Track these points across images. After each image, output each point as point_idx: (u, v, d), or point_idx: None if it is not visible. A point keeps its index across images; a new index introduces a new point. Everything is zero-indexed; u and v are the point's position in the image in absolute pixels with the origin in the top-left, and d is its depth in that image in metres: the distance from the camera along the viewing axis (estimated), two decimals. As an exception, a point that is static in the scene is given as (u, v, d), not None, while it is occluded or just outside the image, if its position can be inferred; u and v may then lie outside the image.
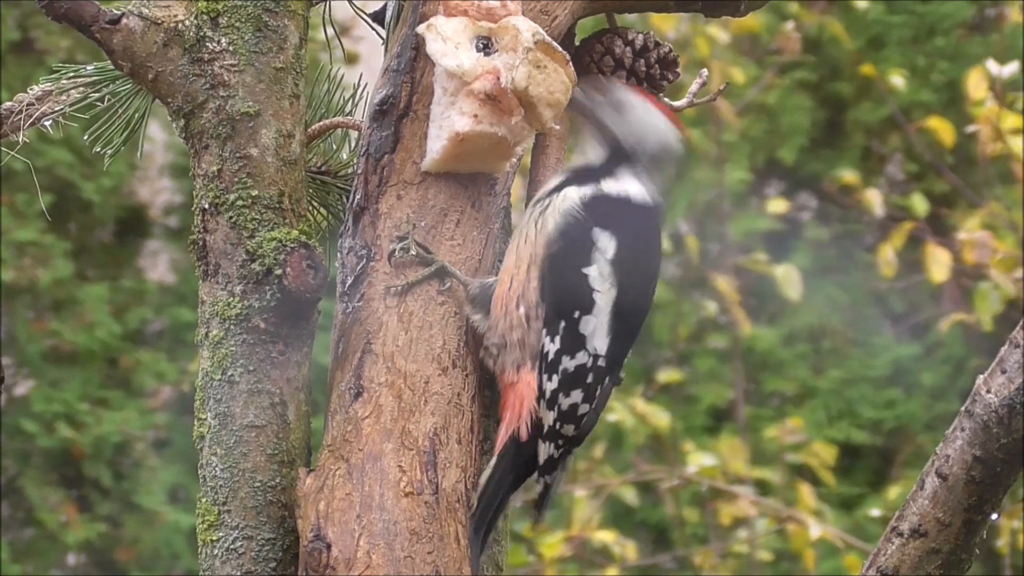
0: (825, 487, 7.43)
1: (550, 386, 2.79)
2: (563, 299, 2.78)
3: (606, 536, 6.86)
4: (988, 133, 6.39)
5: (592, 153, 2.88)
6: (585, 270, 2.78)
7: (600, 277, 2.78)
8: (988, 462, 2.65)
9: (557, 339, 2.78)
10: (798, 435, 7.27)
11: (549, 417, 2.80)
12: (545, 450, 2.81)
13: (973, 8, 9.04)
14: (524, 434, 2.81)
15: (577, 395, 2.80)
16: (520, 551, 6.93)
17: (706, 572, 7.24)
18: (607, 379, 2.82)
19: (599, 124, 2.88)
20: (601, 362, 2.80)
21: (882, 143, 9.12)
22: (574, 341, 2.78)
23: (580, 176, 2.85)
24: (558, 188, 2.84)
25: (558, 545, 6.78)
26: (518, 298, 2.79)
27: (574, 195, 2.81)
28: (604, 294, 2.78)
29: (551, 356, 2.79)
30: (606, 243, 2.79)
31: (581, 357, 2.79)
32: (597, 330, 2.78)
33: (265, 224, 2.81)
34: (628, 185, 2.84)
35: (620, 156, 2.86)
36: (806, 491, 6.94)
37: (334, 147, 3.14)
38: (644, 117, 2.86)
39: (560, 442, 2.81)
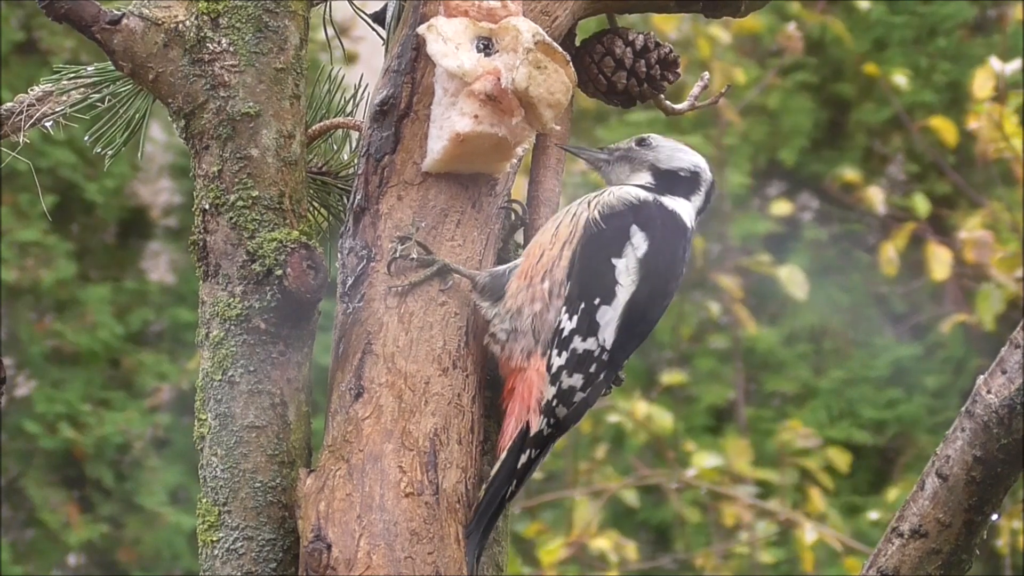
0: (827, 491, 7.42)
1: (558, 361, 2.83)
2: (589, 284, 2.83)
3: (604, 543, 6.86)
4: (988, 132, 6.38)
5: (635, 180, 2.97)
6: (614, 261, 2.84)
7: (626, 271, 2.83)
8: (988, 462, 2.65)
9: (575, 319, 2.82)
10: (811, 440, 7.27)
11: (550, 392, 2.83)
12: (537, 423, 2.83)
13: (975, 9, 9.04)
14: (534, 425, 2.83)
15: (578, 379, 2.83)
16: (516, 562, 6.92)
17: (707, 574, 7.24)
18: (604, 375, 2.85)
19: (630, 159, 2.99)
20: (605, 356, 2.84)
21: (884, 144, 9.12)
22: (590, 326, 2.83)
23: (643, 185, 2.94)
24: (621, 184, 2.94)
25: (557, 551, 6.78)
26: (545, 272, 2.84)
27: (634, 190, 2.90)
28: (624, 289, 2.83)
29: (566, 333, 2.83)
30: (640, 241, 2.85)
31: (591, 343, 2.83)
32: (610, 323, 2.83)
33: (266, 225, 2.81)
34: (679, 204, 2.93)
35: (662, 178, 2.96)
36: (816, 495, 6.94)
37: (335, 148, 3.14)
38: (672, 146, 2.99)
39: (552, 420, 2.83)
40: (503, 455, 2.84)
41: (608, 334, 2.83)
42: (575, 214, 2.86)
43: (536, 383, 2.84)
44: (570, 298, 2.83)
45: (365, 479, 2.77)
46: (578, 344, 2.82)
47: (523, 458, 2.83)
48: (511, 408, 2.86)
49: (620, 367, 2.89)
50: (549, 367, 2.83)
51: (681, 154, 2.96)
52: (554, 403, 2.83)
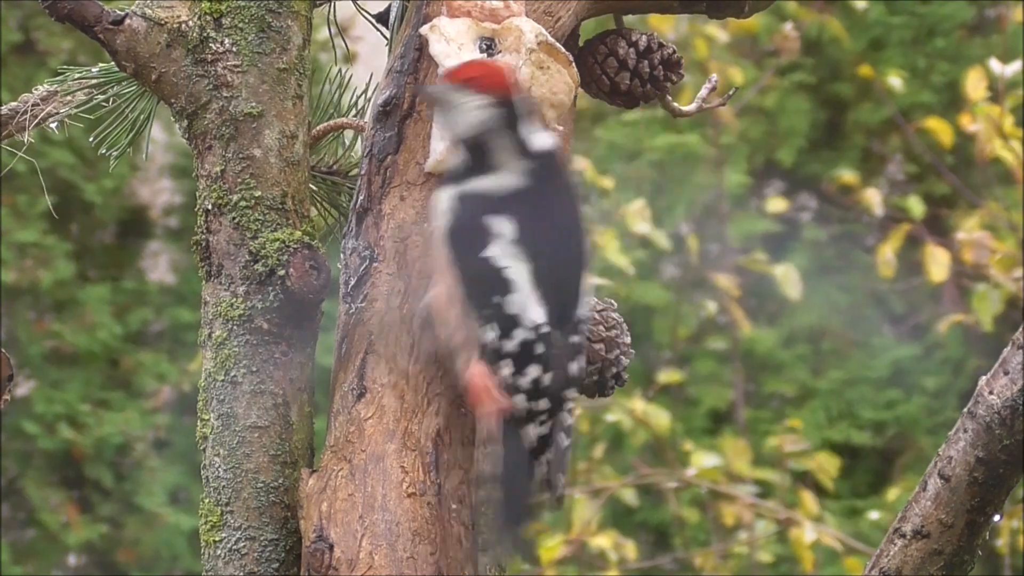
0: (827, 492, 7.43)
1: (505, 372, 2.71)
2: (479, 288, 2.70)
3: (604, 541, 6.86)
4: (986, 133, 6.39)
5: (458, 156, 2.77)
6: (486, 254, 2.69)
7: (507, 256, 2.69)
8: (990, 463, 2.65)
9: (494, 325, 2.70)
10: (801, 444, 7.27)
11: (519, 401, 2.72)
12: (533, 432, 2.73)
13: (973, 9, 9.05)
14: (495, 421, 2.72)
15: (535, 370, 2.71)
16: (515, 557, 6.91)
17: (707, 574, 7.24)
18: (560, 334, 2.72)
19: (444, 130, 2.80)
20: (545, 329, 2.70)
21: (882, 144, 9.13)
22: (506, 323, 2.70)
23: (449, 177, 2.76)
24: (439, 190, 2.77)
25: (557, 548, 6.78)
26: (450, 301, 2.73)
27: (444, 195, 2.73)
28: (516, 270, 2.69)
29: (492, 345, 2.71)
30: (501, 225, 2.70)
31: (520, 334, 2.70)
32: (526, 304, 2.70)
33: (268, 225, 2.82)
34: (491, 178, 2.72)
35: (472, 149, 2.73)
36: (809, 498, 6.94)
37: (346, 144, 3.13)
38: (460, 106, 2.71)
39: (542, 419, 2.72)
40: (497, 448, 2.73)
41: (533, 314, 2.70)
42: (429, 237, 2.75)
43: (485, 379, 2.72)
44: (476, 311, 2.71)
45: (367, 479, 2.77)
46: (509, 346, 2.70)
47: (543, 465, 2.75)
48: (480, 411, 2.76)
49: (571, 318, 2.74)
50: (504, 384, 2.71)
51: (471, 113, 2.69)
52: (532, 406, 2.72)
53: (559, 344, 2.73)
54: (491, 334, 2.71)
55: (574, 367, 2.75)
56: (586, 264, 2.78)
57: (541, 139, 2.74)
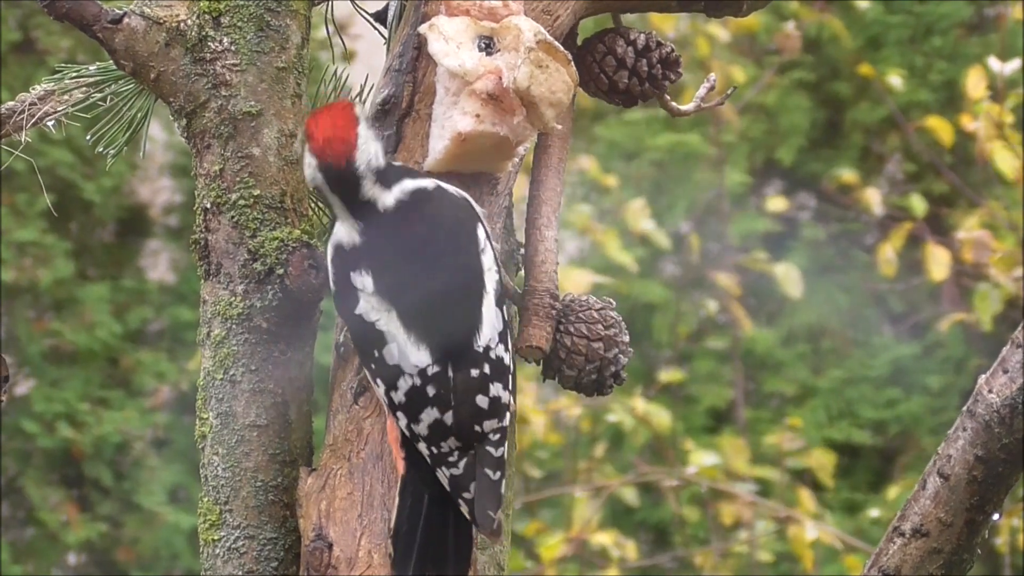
0: (826, 490, 7.43)
1: (403, 424, 2.68)
2: (360, 345, 2.71)
3: (605, 539, 6.86)
4: (986, 132, 6.39)
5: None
6: (358, 311, 2.68)
7: (373, 310, 2.67)
8: (990, 462, 2.65)
9: (379, 380, 2.69)
10: (798, 441, 7.27)
11: (423, 448, 2.68)
12: (443, 476, 2.68)
13: (971, 8, 9.05)
14: (400, 467, 2.72)
15: (432, 413, 2.67)
16: (517, 556, 6.93)
17: (706, 573, 7.24)
18: (452, 372, 2.68)
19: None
20: (432, 370, 2.66)
21: (881, 143, 9.12)
22: (390, 375, 2.66)
23: (331, 219, 2.78)
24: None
25: (558, 547, 6.78)
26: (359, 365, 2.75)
27: (328, 249, 2.74)
28: (384, 320, 2.67)
29: (386, 400, 2.69)
30: (362, 280, 2.68)
31: (406, 382, 2.66)
32: (404, 351, 2.66)
33: (267, 224, 2.82)
34: (339, 226, 2.72)
35: (319, 198, 2.77)
36: (806, 496, 6.94)
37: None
38: (304, 156, 2.72)
39: (451, 459, 2.68)
40: (396, 502, 2.72)
41: (414, 358, 2.67)
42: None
43: (393, 434, 2.72)
44: (366, 368, 2.71)
45: (366, 478, 2.77)
46: (397, 397, 2.67)
47: (464, 506, 2.69)
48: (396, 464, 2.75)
49: (465, 347, 2.69)
50: (408, 435, 2.68)
51: (306, 168, 2.70)
52: (435, 451, 2.67)
53: (460, 379, 2.67)
54: (380, 389, 2.69)
55: (482, 400, 2.68)
56: (477, 291, 2.71)
57: (394, 191, 2.70)
